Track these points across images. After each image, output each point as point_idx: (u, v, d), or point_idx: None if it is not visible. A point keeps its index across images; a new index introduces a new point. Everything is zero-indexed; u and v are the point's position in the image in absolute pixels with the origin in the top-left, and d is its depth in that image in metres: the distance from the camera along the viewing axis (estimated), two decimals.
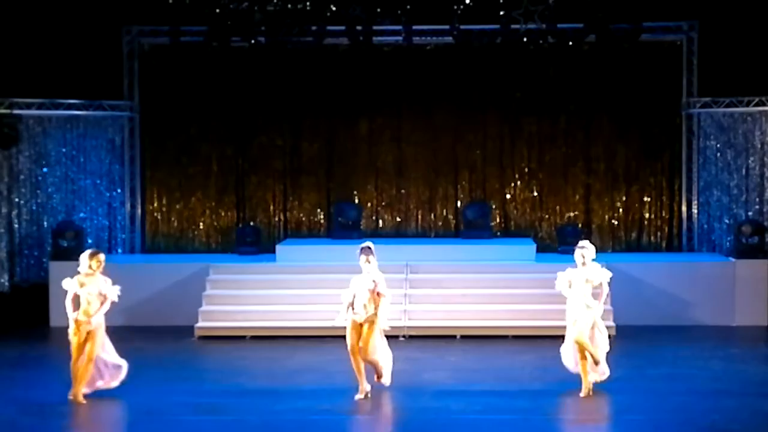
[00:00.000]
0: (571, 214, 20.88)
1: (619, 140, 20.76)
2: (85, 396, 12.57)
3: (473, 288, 17.64)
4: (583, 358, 12.75)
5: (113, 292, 12.61)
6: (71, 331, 12.55)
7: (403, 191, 21.05)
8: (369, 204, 21.14)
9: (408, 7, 18.91)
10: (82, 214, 20.28)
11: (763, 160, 19.95)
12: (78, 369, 12.53)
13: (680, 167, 20.59)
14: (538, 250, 19.25)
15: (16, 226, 20.02)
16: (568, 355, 13.09)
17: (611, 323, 17.05)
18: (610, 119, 20.71)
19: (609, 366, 13.00)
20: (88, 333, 12.50)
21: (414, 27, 19.34)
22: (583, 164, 20.89)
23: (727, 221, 20.22)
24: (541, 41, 19.10)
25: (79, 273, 12.60)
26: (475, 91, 20.81)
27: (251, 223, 20.86)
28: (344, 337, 12.82)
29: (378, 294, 12.53)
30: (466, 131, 20.99)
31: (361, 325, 12.60)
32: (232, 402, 12.84)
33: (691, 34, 20.26)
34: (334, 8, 18.84)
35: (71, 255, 18.65)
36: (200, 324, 17.08)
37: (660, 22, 20.02)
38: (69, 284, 12.65)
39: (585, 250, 12.85)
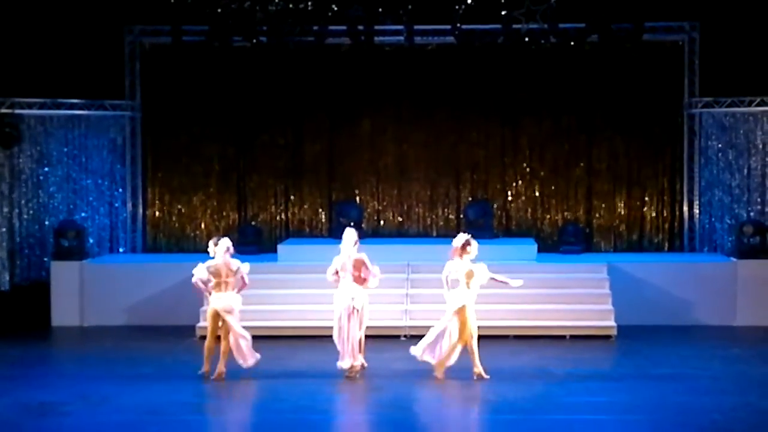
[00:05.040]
0: (573, 214, 20.87)
1: (621, 140, 20.73)
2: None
3: None
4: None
5: None
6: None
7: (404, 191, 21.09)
8: (370, 204, 21.15)
9: (409, 7, 18.90)
10: (83, 214, 20.28)
11: (764, 160, 19.93)
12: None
13: (682, 167, 20.56)
14: (540, 250, 19.26)
15: (18, 225, 20.02)
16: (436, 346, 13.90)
17: (612, 323, 17.08)
18: (612, 119, 20.68)
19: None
20: None
21: (415, 27, 19.32)
22: (585, 164, 20.86)
23: (728, 221, 20.20)
24: (542, 41, 19.10)
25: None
26: (476, 91, 20.79)
27: (252, 223, 20.86)
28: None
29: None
30: (468, 131, 20.97)
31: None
32: (233, 402, 12.84)
33: (692, 35, 20.24)
34: (335, 8, 18.84)
35: (72, 254, 18.75)
36: (202, 324, 17.02)
37: (662, 22, 20.01)
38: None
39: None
